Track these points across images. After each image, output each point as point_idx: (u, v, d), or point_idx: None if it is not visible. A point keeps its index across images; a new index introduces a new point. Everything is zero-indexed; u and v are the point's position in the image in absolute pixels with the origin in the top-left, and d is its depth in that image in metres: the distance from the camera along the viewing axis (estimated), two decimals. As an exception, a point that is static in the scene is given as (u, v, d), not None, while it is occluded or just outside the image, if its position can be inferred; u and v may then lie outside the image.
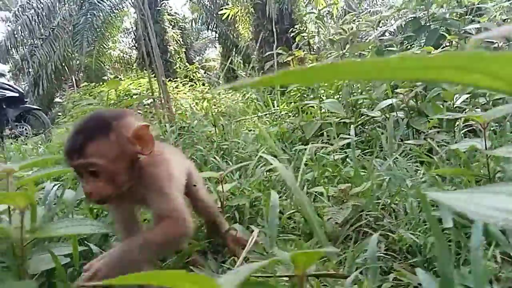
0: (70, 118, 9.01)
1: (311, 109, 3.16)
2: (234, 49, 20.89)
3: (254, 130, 2.83)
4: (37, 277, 0.94)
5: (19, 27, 14.15)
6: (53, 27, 15.10)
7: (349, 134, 2.18)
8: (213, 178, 1.45)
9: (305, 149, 2.00)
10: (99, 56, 18.23)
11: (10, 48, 14.05)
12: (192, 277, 0.37)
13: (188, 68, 17.85)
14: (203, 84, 11.68)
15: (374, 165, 1.47)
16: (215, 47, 26.10)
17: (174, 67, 16.96)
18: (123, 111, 0.95)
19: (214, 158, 2.11)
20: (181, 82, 11.19)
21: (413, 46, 3.02)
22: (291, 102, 4.19)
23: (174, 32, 17.98)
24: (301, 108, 3.75)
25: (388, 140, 1.68)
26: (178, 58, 17.95)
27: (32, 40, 14.46)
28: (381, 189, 1.31)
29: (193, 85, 11.15)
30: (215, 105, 7.15)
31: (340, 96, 2.93)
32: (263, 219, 1.24)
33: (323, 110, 2.56)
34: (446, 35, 2.92)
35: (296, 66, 5.64)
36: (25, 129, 6.48)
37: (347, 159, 1.72)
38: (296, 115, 3.80)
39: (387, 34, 5.44)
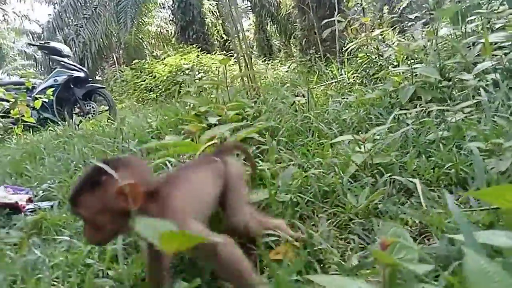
0: (131, 95, 9.45)
1: (389, 76, 3.25)
2: (269, 19, 20.64)
3: (342, 98, 2.96)
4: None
5: (64, 8, 14.57)
6: (95, 6, 15.46)
7: (445, 99, 2.28)
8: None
9: (409, 113, 2.12)
10: (138, 32, 18.57)
11: (57, 29, 14.55)
12: None
13: (228, 40, 17.86)
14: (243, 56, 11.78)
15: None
16: (248, 17, 25.87)
17: (211, 40, 16.94)
18: (123, 164, 0.99)
19: (319, 125, 2.26)
20: (226, 55, 11.32)
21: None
22: (357, 70, 4.27)
23: (210, 4, 17.93)
24: (373, 75, 3.83)
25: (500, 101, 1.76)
26: (215, 30, 17.92)
27: (77, 20, 14.88)
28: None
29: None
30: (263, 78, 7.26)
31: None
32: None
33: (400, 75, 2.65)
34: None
35: (352, 33, 5.60)
36: (92, 107, 6.89)
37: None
38: (366, 83, 3.90)
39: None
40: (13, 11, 19.63)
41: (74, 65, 7.03)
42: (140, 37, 19.21)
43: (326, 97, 3.41)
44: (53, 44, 7.12)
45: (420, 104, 2.26)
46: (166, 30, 20.65)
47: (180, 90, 8.36)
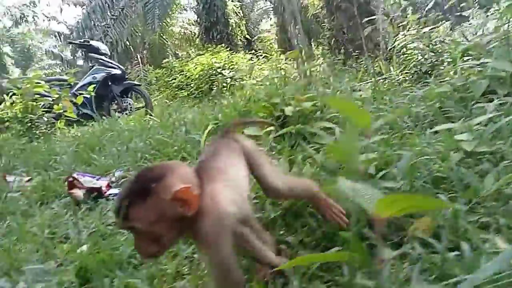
0: (162, 92, 9.59)
1: (447, 72, 3.22)
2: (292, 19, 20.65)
3: (407, 93, 2.95)
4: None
5: (93, 9, 14.87)
6: (122, 7, 15.73)
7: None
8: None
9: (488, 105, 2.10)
10: (162, 33, 18.86)
11: (86, 29, 14.85)
12: None
13: (253, 39, 17.92)
14: (265, 56, 11.83)
15: None
16: (270, 18, 25.94)
17: (235, 40, 17.01)
18: (168, 169, 0.94)
19: (393, 117, 2.25)
20: (254, 54, 11.38)
21: None
22: (406, 67, 4.24)
23: (234, 5, 18.05)
24: (426, 72, 3.80)
25: None
26: (239, 30, 18.00)
27: (104, 21, 15.17)
28: None
29: (266, 56, 11.34)
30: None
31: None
32: None
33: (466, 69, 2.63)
34: None
35: (394, 31, 5.55)
36: (129, 103, 7.01)
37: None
38: (417, 80, 3.87)
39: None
40: (42, 13, 20.13)
41: (112, 63, 7.17)
42: (164, 37, 19.51)
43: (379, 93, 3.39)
44: (92, 42, 7.27)
45: (498, 97, 2.23)
46: (190, 31, 20.87)
47: (212, 88, 8.46)
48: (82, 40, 7.48)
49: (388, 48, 5.05)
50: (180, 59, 12.01)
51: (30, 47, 23.80)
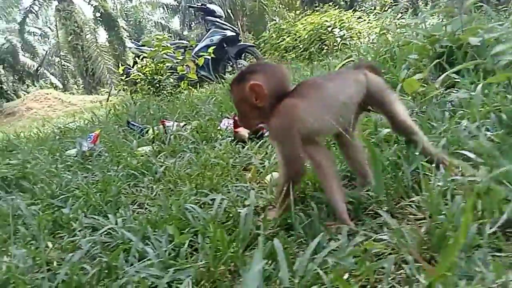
0: (271, 55, 9.69)
1: None
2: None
3: None
4: None
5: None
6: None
7: None
8: None
9: None
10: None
11: (193, -2, 15.43)
12: None
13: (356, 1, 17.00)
14: (376, 14, 11.10)
15: None
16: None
17: (338, 1, 16.27)
18: (263, 69, 1.19)
19: None
20: (365, 11, 10.79)
21: None
22: None
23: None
24: None
25: None
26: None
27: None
28: None
29: (377, 14, 10.67)
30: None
31: None
32: None
33: None
34: None
35: None
36: (243, 65, 7.19)
37: None
38: None
39: None
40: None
41: (226, 25, 7.38)
42: (265, 3, 19.49)
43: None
44: (208, 5, 7.53)
45: None
46: (288, -4, 20.50)
47: (322, 48, 8.24)
48: (200, 4, 7.79)
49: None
50: (287, 20, 11.88)
51: (141, 20, 25.64)
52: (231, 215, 1.26)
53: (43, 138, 3.70)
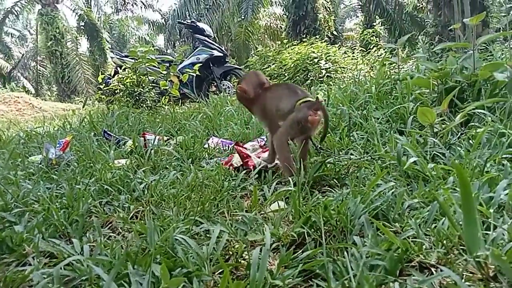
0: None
1: None
2: (378, 17, 19.57)
3: None
4: None
5: (189, -1, 15.38)
6: (217, -4, 16.08)
7: None
8: None
9: None
10: (248, 26, 19.01)
11: (181, 18, 15.40)
12: None
13: (339, 36, 17.38)
14: (361, 50, 11.32)
15: None
16: (357, 16, 25.12)
17: (322, 36, 16.61)
18: (250, 77, 1.94)
19: None
20: (350, 48, 10.97)
21: None
22: None
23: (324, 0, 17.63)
24: None
25: None
26: (326, 26, 17.53)
27: (198, 10, 15.62)
28: None
29: (364, 50, 10.86)
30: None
31: None
32: None
33: None
34: None
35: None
36: (227, 86, 7.02)
37: None
38: None
39: None
40: (140, 1, 21.33)
41: (214, 45, 7.24)
42: (250, 30, 19.65)
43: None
44: (198, 24, 7.40)
45: None
46: (275, 25, 20.82)
47: (307, 78, 8.22)
48: (189, 21, 7.65)
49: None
50: (274, 48, 11.91)
51: (125, 34, 25.34)
52: (230, 252, 1.01)
53: (5, 141, 3.33)
